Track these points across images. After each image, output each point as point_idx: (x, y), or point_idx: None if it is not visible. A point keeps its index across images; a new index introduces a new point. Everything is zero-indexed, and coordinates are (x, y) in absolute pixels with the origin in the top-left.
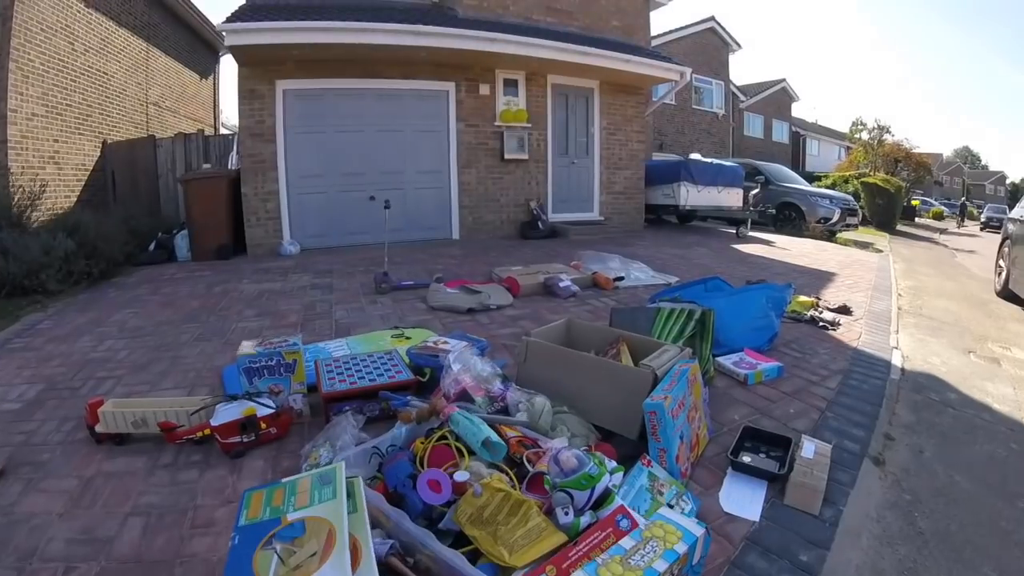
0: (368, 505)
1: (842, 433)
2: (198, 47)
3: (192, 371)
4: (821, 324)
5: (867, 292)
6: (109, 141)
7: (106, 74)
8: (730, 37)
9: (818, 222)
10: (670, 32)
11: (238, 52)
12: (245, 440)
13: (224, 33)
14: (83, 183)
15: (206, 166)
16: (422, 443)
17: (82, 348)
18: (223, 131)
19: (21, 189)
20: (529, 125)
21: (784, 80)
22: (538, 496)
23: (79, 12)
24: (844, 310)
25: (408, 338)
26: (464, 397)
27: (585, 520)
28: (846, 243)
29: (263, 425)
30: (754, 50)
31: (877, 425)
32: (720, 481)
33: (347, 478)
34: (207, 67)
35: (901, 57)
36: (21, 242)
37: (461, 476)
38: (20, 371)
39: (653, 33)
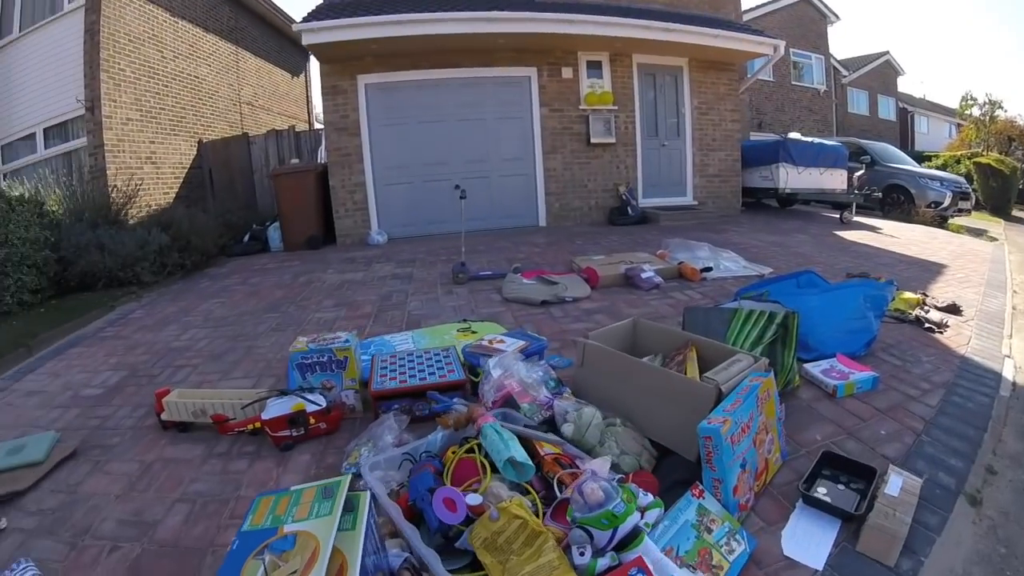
0: (388, 517)
1: (937, 463)
2: (286, 47)
3: (263, 361)
4: (927, 326)
5: (979, 288)
6: (204, 140)
7: (197, 77)
8: (827, 8)
9: (928, 206)
10: (762, 5)
11: (316, 50)
12: (294, 434)
13: (301, 33)
14: (181, 180)
15: (294, 161)
16: (453, 453)
17: (166, 337)
18: (317, 126)
19: (116, 188)
20: (615, 107)
21: (888, 53)
22: (562, 526)
23: (165, 21)
24: (953, 309)
25: (474, 332)
26: (510, 403)
27: (603, 563)
28: (958, 230)
29: (312, 420)
30: (853, 21)
31: (979, 455)
32: (786, 516)
33: (355, 492)
34: (297, 65)
35: (1012, 25)
36: (117, 238)
37: (474, 499)
38: (107, 358)
39: (744, 7)
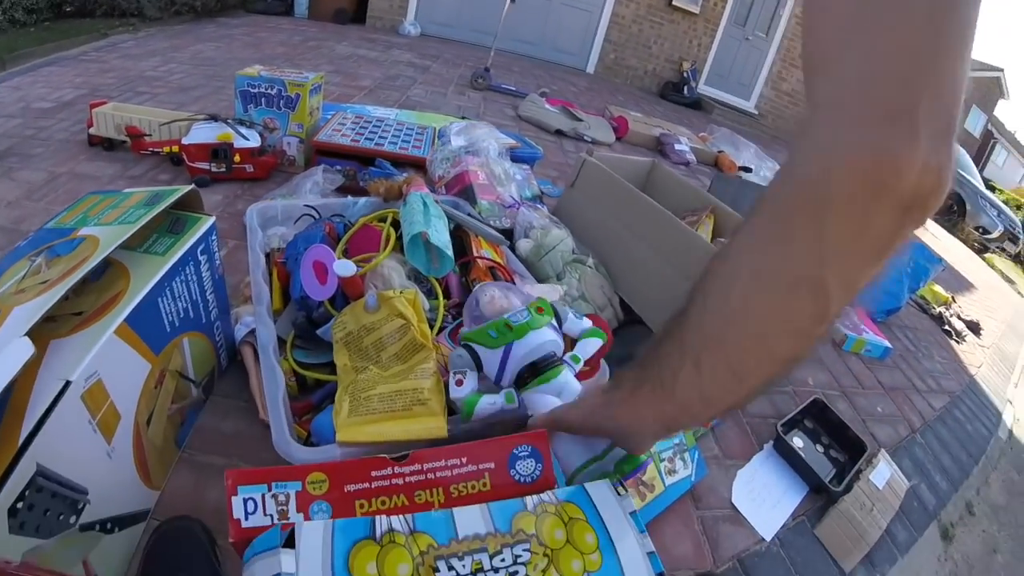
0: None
1: (924, 472)
2: None
3: (227, 100)
4: (946, 328)
5: (1001, 326)
6: None
7: None
8: None
9: (976, 229)
10: None
11: None
12: (214, 170)
13: None
14: None
15: None
16: (365, 220)
17: (143, 67)
18: None
19: None
20: None
21: (1002, 71)
22: None
23: None
24: (974, 327)
25: None
26: (467, 193)
27: (489, 402)
28: (992, 266)
29: (237, 158)
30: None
31: (963, 486)
32: (748, 455)
33: (200, 215)
34: None
35: None
36: None
37: (344, 268)
38: (75, 78)
39: None
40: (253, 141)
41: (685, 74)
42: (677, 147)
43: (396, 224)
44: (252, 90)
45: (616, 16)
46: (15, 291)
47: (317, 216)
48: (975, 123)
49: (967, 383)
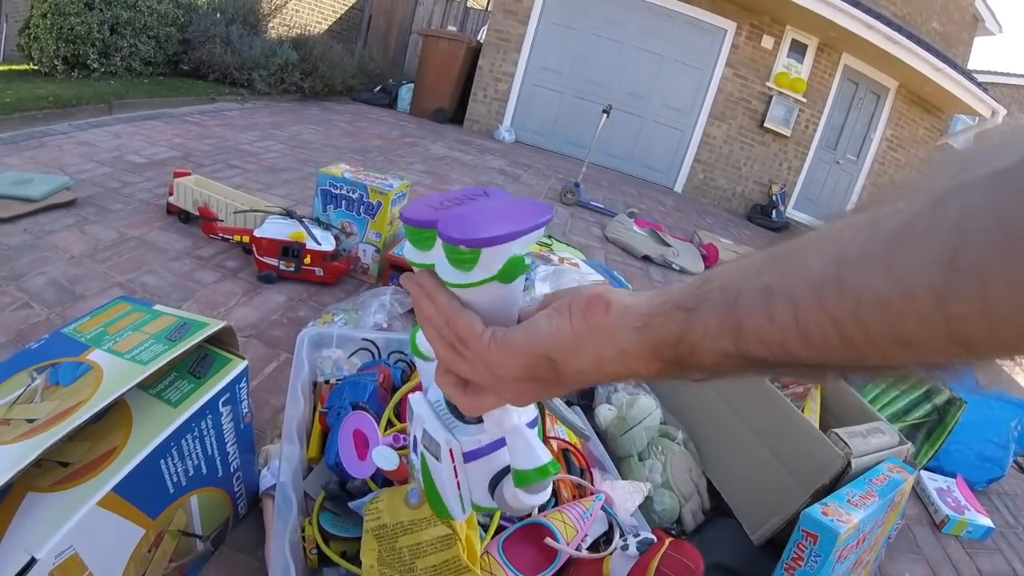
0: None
1: None
2: None
3: (313, 190)
4: None
5: None
6: None
7: None
8: None
9: None
10: (986, 72)
11: None
12: (282, 267)
13: None
14: (338, 16)
15: (451, 28)
16: None
17: (241, 139)
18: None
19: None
20: (804, 100)
21: None
22: (516, 573)
23: None
24: None
25: (552, 251)
26: None
27: None
28: None
29: (308, 259)
30: None
31: None
32: None
33: (230, 355)
34: None
35: None
36: (247, 40)
37: (385, 459)
38: (173, 138)
39: (968, 66)
40: (326, 245)
41: (774, 197)
42: None
43: None
44: (334, 191)
45: (707, 136)
46: (1, 416)
47: (375, 352)
48: None
49: None
